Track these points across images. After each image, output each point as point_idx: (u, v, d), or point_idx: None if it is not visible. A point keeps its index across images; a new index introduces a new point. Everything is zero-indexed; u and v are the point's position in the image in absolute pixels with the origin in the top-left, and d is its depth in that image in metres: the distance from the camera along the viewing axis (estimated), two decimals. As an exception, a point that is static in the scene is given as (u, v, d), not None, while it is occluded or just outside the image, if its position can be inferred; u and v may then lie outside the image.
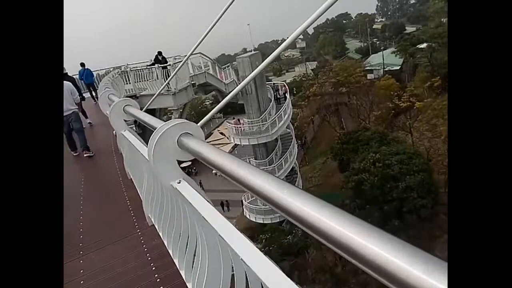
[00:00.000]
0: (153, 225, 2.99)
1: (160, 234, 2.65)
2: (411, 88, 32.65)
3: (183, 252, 1.85)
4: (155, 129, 1.77)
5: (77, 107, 7.08)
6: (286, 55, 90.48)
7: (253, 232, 25.59)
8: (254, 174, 0.93)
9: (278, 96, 24.43)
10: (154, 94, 8.53)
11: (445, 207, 20.76)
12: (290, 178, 25.49)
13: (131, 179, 4.38)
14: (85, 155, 7.08)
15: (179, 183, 1.59)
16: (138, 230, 3.24)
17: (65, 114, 6.64)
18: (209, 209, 1.37)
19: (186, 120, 1.53)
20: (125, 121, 3.54)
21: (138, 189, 3.66)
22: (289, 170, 23.65)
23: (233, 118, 24.93)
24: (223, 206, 30.13)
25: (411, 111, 30.01)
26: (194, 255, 1.64)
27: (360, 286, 18.16)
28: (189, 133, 1.49)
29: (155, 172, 1.58)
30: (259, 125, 21.68)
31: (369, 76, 49.93)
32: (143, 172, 2.94)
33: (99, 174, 5.78)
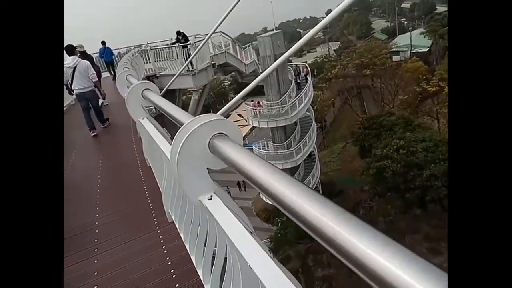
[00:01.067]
0: (173, 222, 2.73)
1: (182, 236, 2.38)
2: (440, 72, 30.80)
3: (208, 268, 1.57)
4: (179, 124, 1.45)
5: (93, 85, 7.12)
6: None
7: (269, 214, 25.73)
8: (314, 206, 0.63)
9: (299, 78, 23.66)
10: (174, 74, 8.25)
11: (471, 198, 19.87)
12: (308, 162, 25.10)
13: (150, 166, 4.15)
14: (102, 126, 7.49)
15: (210, 199, 1.27)
16: (157, 227, 2.98)
17: (81, 91, 6.98)
18: (243, 236, 1.06)
19: (219, 116, 1.18)
20: (144, 107, 3.15)
21: (157, 181, 3.40)
22: (307, 154, 23.22)
23: (252, 101, 24.46)
24: (239, 186, 30.35)
25: (439, 96, 28.47)
26: (222, 272, 1.37)
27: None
28: (223, 134, 1.16)
29: (180, 183, 1.25)
30: (279, 107, 21.16)
31: (395, 58, 47.68)
32: (164, 167, 2.63)
33: (117, 160, 5.51)
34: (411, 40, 51.66)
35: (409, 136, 20.93)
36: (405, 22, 79.43)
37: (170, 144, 1.18)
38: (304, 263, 18.54)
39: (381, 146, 21.23)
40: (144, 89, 2.94)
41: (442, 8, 72.91)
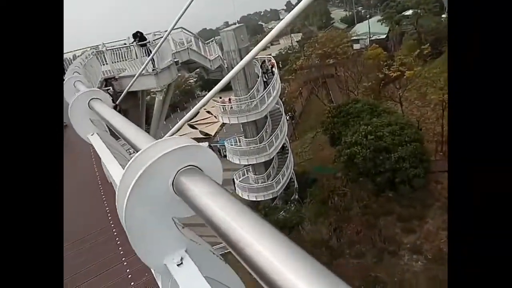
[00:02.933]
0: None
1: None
2: (400, 57, 32.07)
3: None
4: (134, 149, 1.12)
5: None
6: (270, 27, 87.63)
7: (246, 210, 25.59)
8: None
9: (266, 71, 23.46)
10: (135, 75, 7.67)
11: (436, 175, 21.00)
12: (281, 155, 25.16)
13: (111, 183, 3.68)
14: None
15: (179, 264, 0.86)
16: (124, 259, 2.56)
17: None
18: None
19: (190, 141, 0.83)
20: (94, 120, 2.57)
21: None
22: (280, 146, 23.23)
23: (220, 98, 23.97)
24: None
25: (400, 81, 29.61)
26: None
27: (355, 258, 18.49)
28: (195, 167, 0.83)
29: (131, 241, 0.86)
30: (248, 102, 20.88)
31: (356, 46, 48.98)
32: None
33: (72, 176, 4.74)
34: (369, 28, 53.32)
35: (376, 121, 21.57)
36: (362, 11, 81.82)
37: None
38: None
39: (350, 133, 21.72)
40: (91, 99, 2.41)
41: (395, -5, 75.73)
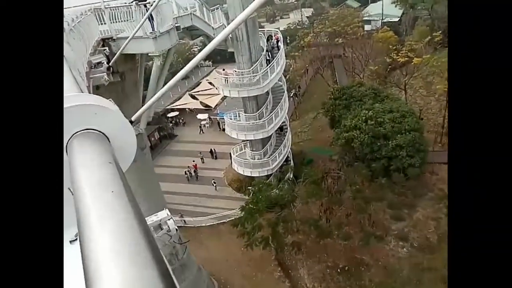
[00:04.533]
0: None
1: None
2: (410, 42, 31.05)
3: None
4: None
5: None
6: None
7: (241, 184, 25.80)
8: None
9: (271, 48, 22.74)
10: (134, 37, 7.33)
11: (433, 166, 20.97)
12: (279, 133, 24.99)
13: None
14: None
15: (73, 240, 0.72)
16: None
17: None
18: None
19: (98, 99, 0.63)
20: None
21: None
22: (279, 124, 22.99)
23: (223, 70, 23.35)
24: (212, 153, 30.26)
25: (408, 67, 28.88)
26: None
27: (342, 239, 18.82)
28: (98, 132, 0.62)
29: None
30: (250, 76, 20.37)
31: (367, 27, 47.43)
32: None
33: None
34: (382, 9, 51.29)
35: (378, 107, 21.23)
36: (378, -10, 78.51)
37: None
38: (274, 231, 18.95)
39: (351, 116, 21.45)
40: None
41: (414, -23, 72.36)
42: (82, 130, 0.62)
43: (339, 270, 18.00)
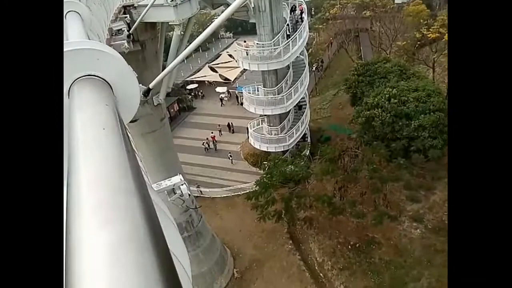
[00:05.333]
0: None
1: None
2: (442, 17, 29.02)
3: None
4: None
5: None
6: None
7: (257, 158, 26.04)
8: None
9: (296, 22, 21.89)
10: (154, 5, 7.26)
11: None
12: (298, 110, 24.66)
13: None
14: None
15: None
16: None
17: None
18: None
19: (98, 45, 0.64)
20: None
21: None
22: (298, 100, 22.63)
23: (244, 41, 22.80)
24: (229, 127, 30.30)
25: (438, 44, 27.22)
26: None
27: (355, 217, 18.91)
28: (100, 79, 0.63)
29: None
30: (271, 49, 19.88)
31: (397, 0, 44.61)
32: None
33: None
34: (417, -21, 47.71)
35: (403, 85, 20.39)
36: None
37: None
38: (287, 205, 19.26)
39: (373, 94, 20.76)
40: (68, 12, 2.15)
41: None
42: (84, 76, 0.64)
43: (349, 246, 18.26)
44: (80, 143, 0.44)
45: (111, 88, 0.64)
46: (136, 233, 0.36)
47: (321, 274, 17.86)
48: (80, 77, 0.63)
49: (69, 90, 0.64)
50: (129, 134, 0.58)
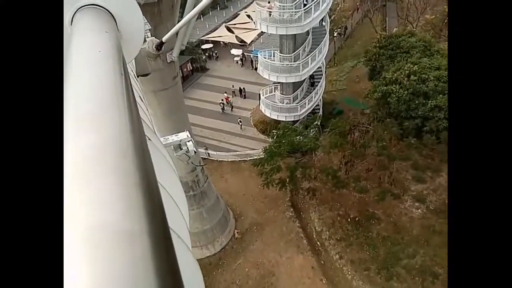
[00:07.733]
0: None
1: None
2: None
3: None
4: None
5: None
6: None
7: (266, 126, 25.97)
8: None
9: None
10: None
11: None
12: (313, 79, 24.06)
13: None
14: None
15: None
16: None
17: None
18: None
19: None
20: None
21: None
22: (314, 69, 21.99)
23: (268, 2, 21.68)
24: (241, 92, 29.85)
25: (470, 20, 25.56)
26: None
27: (358, 191, 19.13)
28: (101, 9, 0.60)
29: None
30: (291, 12, 18.98)
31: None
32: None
33: None
34: None
35: (425, 62, 19.51)
36: None
37: None
38: (292, 175, 19.50)
39: (393, 69, 20.00)
40: None
41: None
42: (87, 5, 0.62)
43: (349, 219, 18.66)
44: (74, 62, 0.43)
45: (115, 21, 0.61)
46: (118, 140, 0.36)
47: (318, 243, 18.48)
48: (83, 6, 0.61)
49: (72, 20, 0.62)
50: (125, 61, 0.57)
